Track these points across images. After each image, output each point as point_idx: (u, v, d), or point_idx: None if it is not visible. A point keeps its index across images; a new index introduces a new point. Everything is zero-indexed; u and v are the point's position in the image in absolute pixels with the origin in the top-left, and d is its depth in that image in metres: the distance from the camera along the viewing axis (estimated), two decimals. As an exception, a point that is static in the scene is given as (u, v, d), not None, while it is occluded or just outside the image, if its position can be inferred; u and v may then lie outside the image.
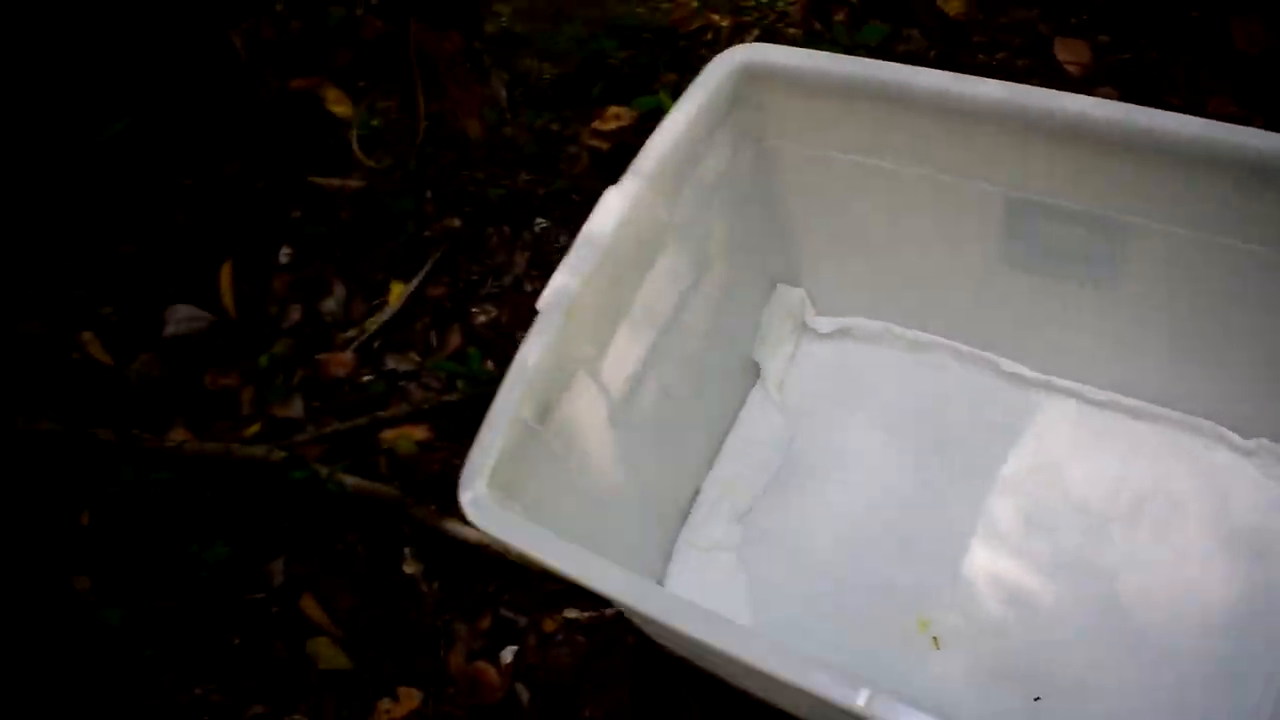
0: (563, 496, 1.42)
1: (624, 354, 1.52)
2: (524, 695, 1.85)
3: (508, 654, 1.90)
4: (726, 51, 1.56)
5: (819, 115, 1.58)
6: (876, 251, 1.77)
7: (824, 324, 1.92)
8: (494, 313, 2.26)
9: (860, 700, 1.00)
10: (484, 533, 1.24)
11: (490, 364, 2.16)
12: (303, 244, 2.45)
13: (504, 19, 2.48)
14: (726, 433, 1.86)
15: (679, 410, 1.67)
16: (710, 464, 1.84)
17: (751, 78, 1.56)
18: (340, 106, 2.50)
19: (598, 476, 1.51)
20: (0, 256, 2.55)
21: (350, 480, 2.09)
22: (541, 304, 1.42)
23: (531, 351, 1.36)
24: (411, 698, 1.89)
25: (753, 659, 1.07)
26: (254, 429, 2.26)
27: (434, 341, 2.27)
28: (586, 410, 1.46)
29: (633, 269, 1.50)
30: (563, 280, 1.42)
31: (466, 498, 1.26)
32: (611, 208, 1.45)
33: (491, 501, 1.25)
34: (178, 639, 2.07)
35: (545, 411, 1.38)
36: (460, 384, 2.14)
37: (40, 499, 2.29)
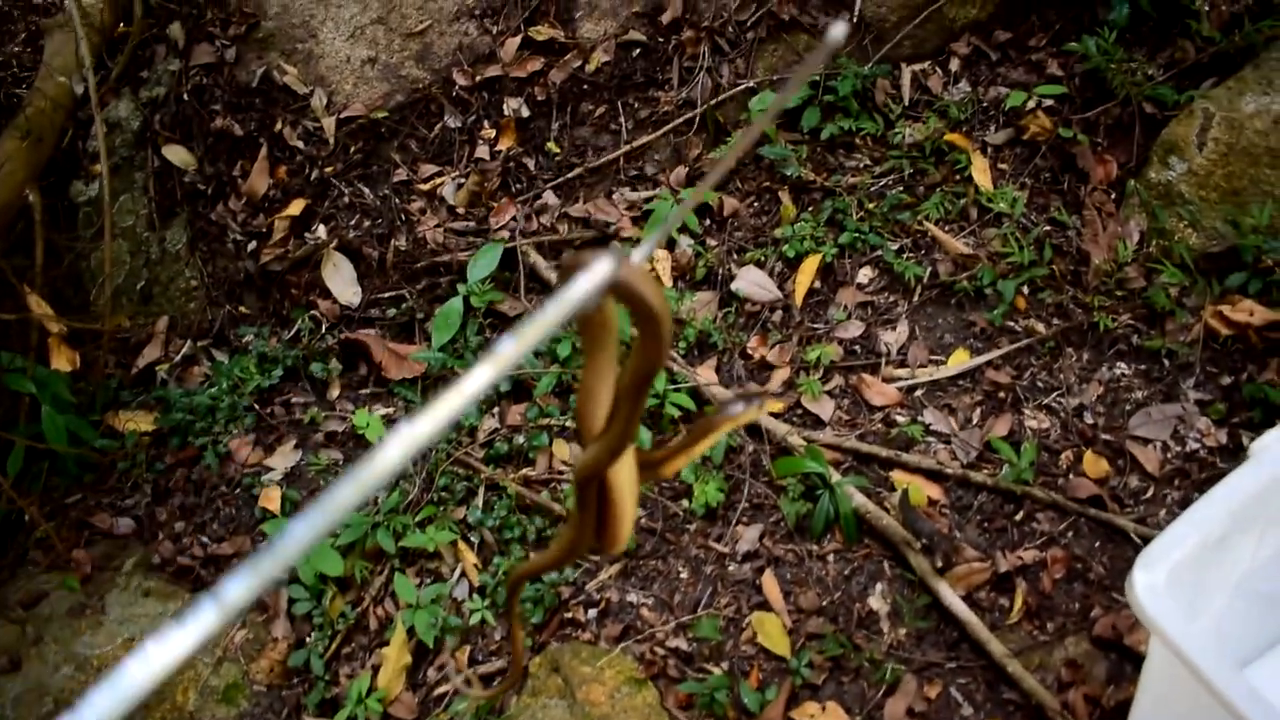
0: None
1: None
2: (947, 779, 1.82)
3: (944, 733, 1.87)
4: None
5: None
6: None
7: None
8: (1047, 424, 2.24)
9: None
10: (1147, 614, 1.23)
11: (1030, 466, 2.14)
12: (882, 269, 2.53)
13: (1174, 174, 2.47)
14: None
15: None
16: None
17: None
18: (980, 175, 2.57)
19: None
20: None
21: (858, 499, 2.12)
22: (1257, 445, 1.39)
23: (1245, 481, 1.34)
24: (838, 715, 1.89)
25: None
26: (776, 405, 2.35)
27: (975, 418, 2.28)
28: (1236, 560, 1.42)
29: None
30: (1290, 434, 1.39)
31: (1142, 579, 1.25)
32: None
33: (1165, 591, 1.24)
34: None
35: (1222, 541, 1.35)
36: (1007, 470, 2.13)
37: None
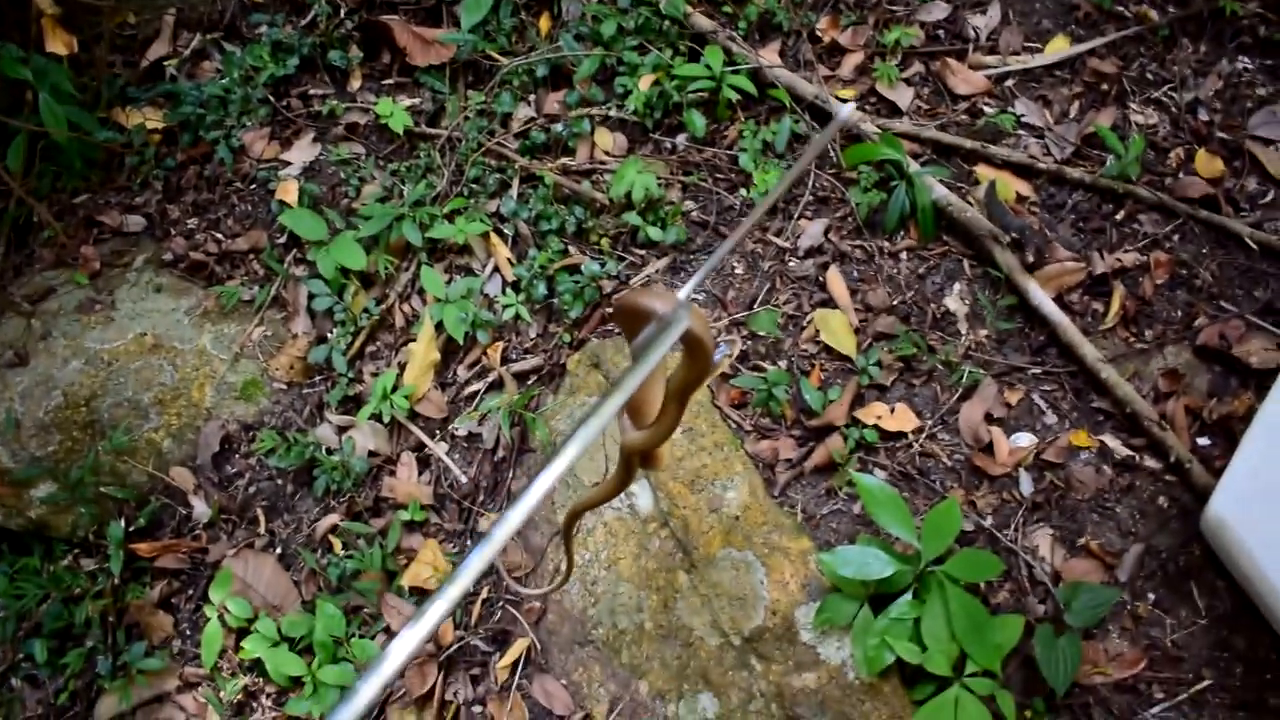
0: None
1: None
2: (1025, 484, 1.64)
3: (1023, 439, 1.69)
4: None
5: None
6: None
7: None
8: (1155, 120, 1.97)
9: None
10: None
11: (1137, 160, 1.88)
12: (973, -51, 2.21)
13: None
14: None
15: None
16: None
17: None
18: None
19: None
20: None
21: (938, 191, 1.89)
22: None
23: None
24: (908, 417, 1.72)
25: None
26: (847, 91, 2.08)
27: (1073, 111, 2.01)
28: None
29: None
30: None
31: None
32: None
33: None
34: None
35: None
36: (1110, 165, 1.88)
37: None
